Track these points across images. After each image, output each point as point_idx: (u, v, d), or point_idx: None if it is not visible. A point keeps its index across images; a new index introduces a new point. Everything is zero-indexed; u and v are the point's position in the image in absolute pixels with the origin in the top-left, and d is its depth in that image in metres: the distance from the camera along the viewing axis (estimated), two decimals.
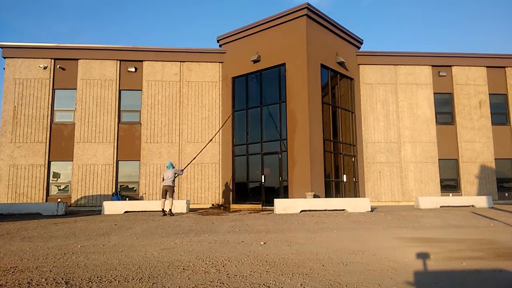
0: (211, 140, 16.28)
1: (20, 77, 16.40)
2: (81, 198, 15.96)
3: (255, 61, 15.97)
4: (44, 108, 16.35)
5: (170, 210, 11.71)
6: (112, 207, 13.19)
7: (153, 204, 13.63)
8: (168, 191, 11.82)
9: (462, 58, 18.36)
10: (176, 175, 12.06)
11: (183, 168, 13.73)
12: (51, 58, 16.63)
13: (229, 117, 16.53)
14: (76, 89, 16.67)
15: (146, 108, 16.81)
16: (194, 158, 15.01)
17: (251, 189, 15.82)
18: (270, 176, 15.33)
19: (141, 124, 16.77)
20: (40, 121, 16.26)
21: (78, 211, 15.00)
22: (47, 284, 3.70)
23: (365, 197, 16.37)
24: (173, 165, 12.43)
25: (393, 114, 17.62)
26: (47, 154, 16.13)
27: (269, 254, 5.04)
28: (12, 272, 4.21)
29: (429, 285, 3.57)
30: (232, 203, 15.98)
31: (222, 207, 15.62)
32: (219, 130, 16.64)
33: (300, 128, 14.44)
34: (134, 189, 16.50)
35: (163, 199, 11.86)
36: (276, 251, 5.26)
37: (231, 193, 16.24)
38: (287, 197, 14.22)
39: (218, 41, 17.64)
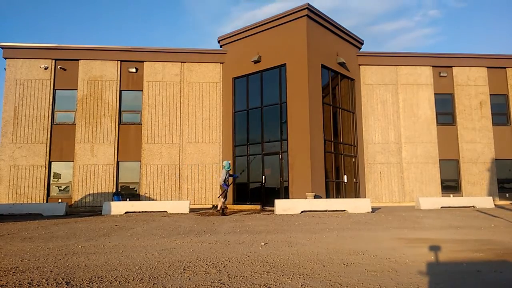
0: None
1: (21, 77, 16.42)
2: (81, 198, 15.97)
3: (255, 62, 15.97)
4: (44, 108, 16.36)
5: None
6: (112, 208, 13.19)
7: (154, 205, 13.64)
8: None
9: (463, 59, 18.35)
10: None
11: None
12: (52, 59, 16.64)
13: (231, 148, 16.46)
14: (76, 89, 16.68)
15: (146, 108, 16.82)
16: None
17: (252, 189, 15.81)
18: (271, 176, 15.32)
19: (141, 124, 16.78)
20: (40, 121, 16.27)
21: (79, 211, 15.00)
22: (47, 284, 3.70)
23: (365, 197, 16.35)
24: None
25: (393, 114, 17.61)
26: (47, 155, 16.14)
27: (269, 255, 5.04)
28: (13, 272, 4.21)
29: (430, 285, 3.57)
30: (233, 203, 15.97)
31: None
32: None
33: (300, 128, 14.43)
34: (135, 189, 16.50)
35: None
36: (276, 252, 5.26)
37: (231, 193, 16.22)
38: (288, 198, 14.21)
39: (219, 41, 17.65)
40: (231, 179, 13.46)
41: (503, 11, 62.16)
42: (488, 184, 17.52)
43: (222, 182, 12.37)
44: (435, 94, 17.95)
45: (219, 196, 12.53)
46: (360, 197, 16.32)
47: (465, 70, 18.29)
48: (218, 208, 12.41)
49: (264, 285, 3.60)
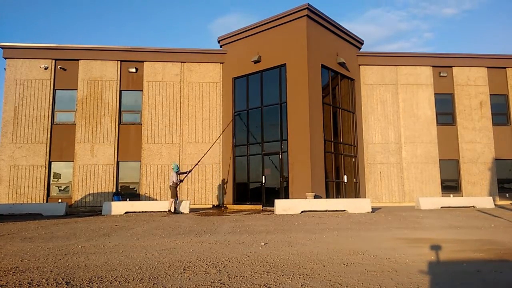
0: (210, 148, 16.23)
1: (21, 77, 16.42)
2: (81, 198, 15.96)
3: (255, 62, 15.97)
4: (44, 108, 16.36)
5: None
6: (112, 208, 13.19)
7: (154, 205, 13.64)
8: None
9: (463, 59, 18.34)
10: None
11: None
12: (52, 59, 16.63)
13: (230, 122, 16.49)
14: (76, 89, 16.68)
15: (146, 108, 16.81)
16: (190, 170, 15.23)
17: (252, 189, 15.80)
18: (271, 176, 15.32)
19: (141, 124, 16.78)
20: (40, 121, 16.27)
21: (79, 211, 14.99)
22: (47, 284, 3.70)
23: (365, 197, 16.35)
24: None
25: (393, 114, 17.60)
26: (47, 155, 16.13)
27: (269, 255, 5.04)
28: (13, 272, 4.21)
29: (430, 285, 3.57)
30: (233, 203, 15.97)
31: (222, 208, 15.61)
32: (220, 136, 16.59)
33: (300, 128, 14.42)
34: (135, 189, 16.50)
35: None
36: (276, 252, 5.26)
37: (231, 193, 16.23)
38: (288, 198, 14.20)
39: (218, 41, 17.64)
40: (181, 177, 13.70)
41: (503, 12, 62.21)
42: (488, 184, 17.51)
43: (173, 183, 12.90)
44: (435, 94, 17.94)
45: (173, 197, 12.91)
46: (360, 197, 16.32)
47: (465, 70, 18.28)
48: (170, 209, 12.78)
49: (264, 285, 3.60)
